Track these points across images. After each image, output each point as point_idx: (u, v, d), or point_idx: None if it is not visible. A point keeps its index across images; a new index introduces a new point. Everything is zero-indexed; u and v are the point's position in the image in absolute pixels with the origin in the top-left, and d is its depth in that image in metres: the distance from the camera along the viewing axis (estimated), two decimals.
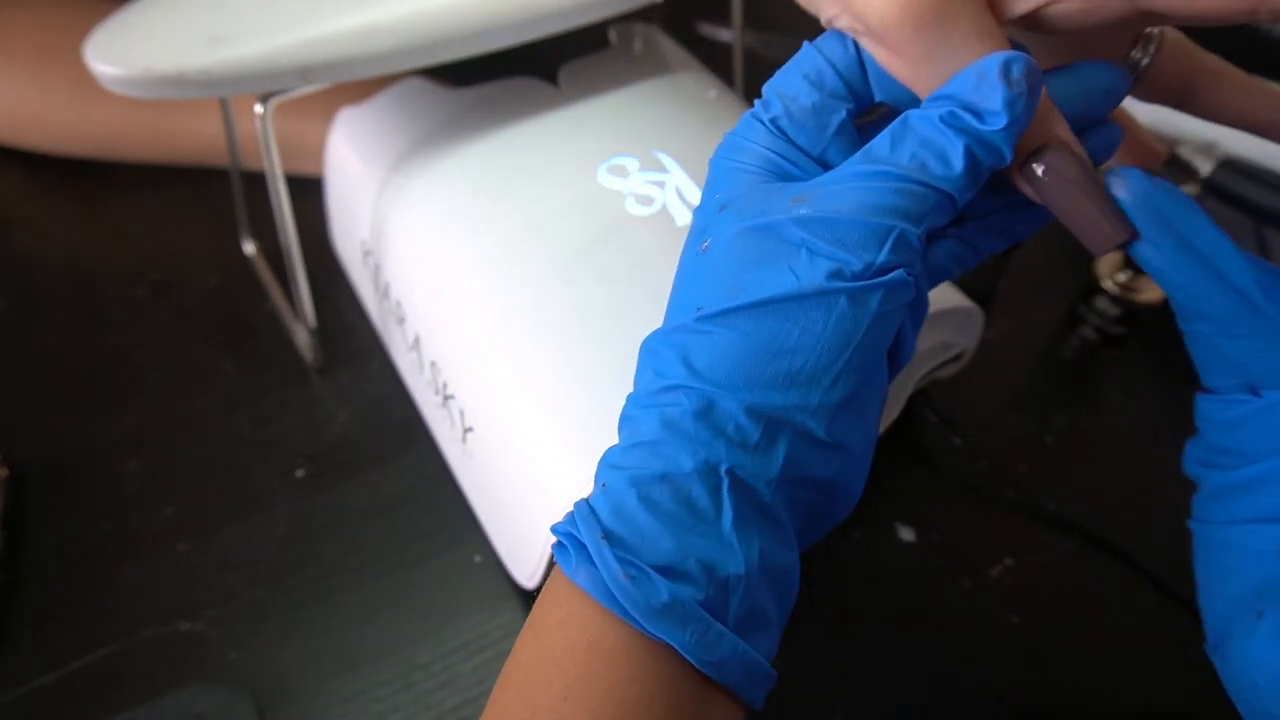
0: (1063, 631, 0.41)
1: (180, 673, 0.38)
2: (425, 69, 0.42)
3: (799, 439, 0.26)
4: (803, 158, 0.28)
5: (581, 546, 0.24)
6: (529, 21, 0.41)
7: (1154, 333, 0.52)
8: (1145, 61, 0.29)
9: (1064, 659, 0.40)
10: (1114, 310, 0.51)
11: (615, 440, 0.34)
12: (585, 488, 0.33)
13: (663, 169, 0.41)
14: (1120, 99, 0.29)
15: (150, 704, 0.37)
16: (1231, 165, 0.52)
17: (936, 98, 0.25)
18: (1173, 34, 0.29)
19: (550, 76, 0.47)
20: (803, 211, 0.25)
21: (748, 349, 0.25)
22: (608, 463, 0.26)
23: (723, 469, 0.25)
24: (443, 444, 0.43)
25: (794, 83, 0.28)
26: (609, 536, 0.24)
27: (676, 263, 0.29)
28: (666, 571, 0.24)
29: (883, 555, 0.43)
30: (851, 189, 0.25)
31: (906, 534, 0.43)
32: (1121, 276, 0.51)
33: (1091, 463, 0.47)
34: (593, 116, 0.44)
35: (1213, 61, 0.29)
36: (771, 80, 0.28)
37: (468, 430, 0.39)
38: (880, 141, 0.26)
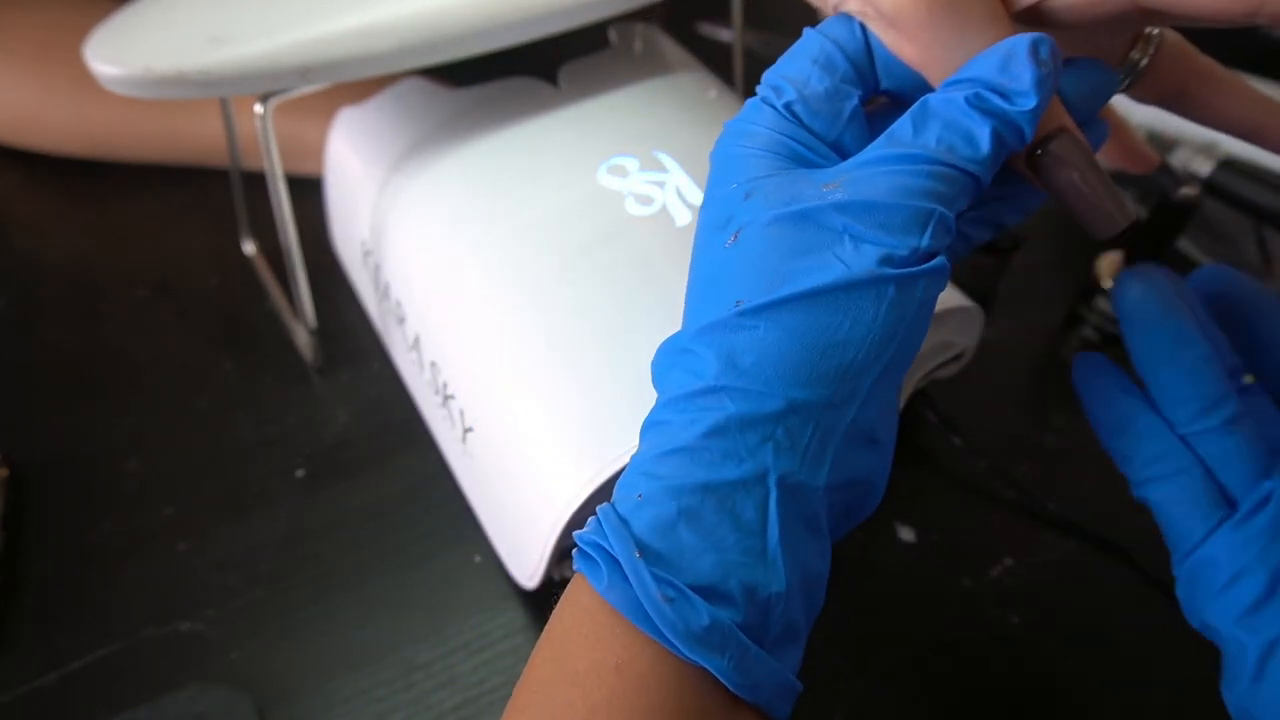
0: (1063, 631, 0.41)
1: (180, 673, 0.38)
2: (425, 69, 0.42)
3: (847, 438, 0.25)
4: (818, 143, 0.27)
5: (613, 561, 0.23)
6: (529, 21, 0.41)
7: None
8: (1144, 62, 0.29)
9: (1064, 659, 0.40)
10: (1114, 311, 0.51)
11: (614, 439, 0.34)
12: (585, 488, 0.33)
13: (663, 169, 0.41)
14: (1109, 97, 0.29)
15: (150, 704, 0.37)
16: (1231, 165, 0.52)
17: (956, 81, 0.25)
18: (1171, 36, 0.29)
19: (550, 76, 0.47)
20: (839, 196, 0.24)
21: (796, 344, 0.24)
22: (640, 470, 0.24)
23: (771, 478, 0.23)
24: (443, 444, 0.43)
25: (804, 68, 0.27)
26: (644, 552, 0.23)
27: (677, 262, 0.28)
28: (706, 592, 0.23)
29: (883, 555, 0.43)
30: (884, 173, 0.24)
31: (906, 534, 0.43)
32: None
33: (1092, 462, 0.47)
34: (593, 116, 0.44)
35: (1209, 65, 0.29)
36: (776, 66, 0.28)
37: (468, 430, 0.39)
38: (902, 126, 0.25)
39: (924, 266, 0.24)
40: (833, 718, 0.38)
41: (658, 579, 0.22)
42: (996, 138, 0.25)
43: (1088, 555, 0.43)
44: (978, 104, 0.24)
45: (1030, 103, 0.24)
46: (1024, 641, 0.40)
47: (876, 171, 0.25)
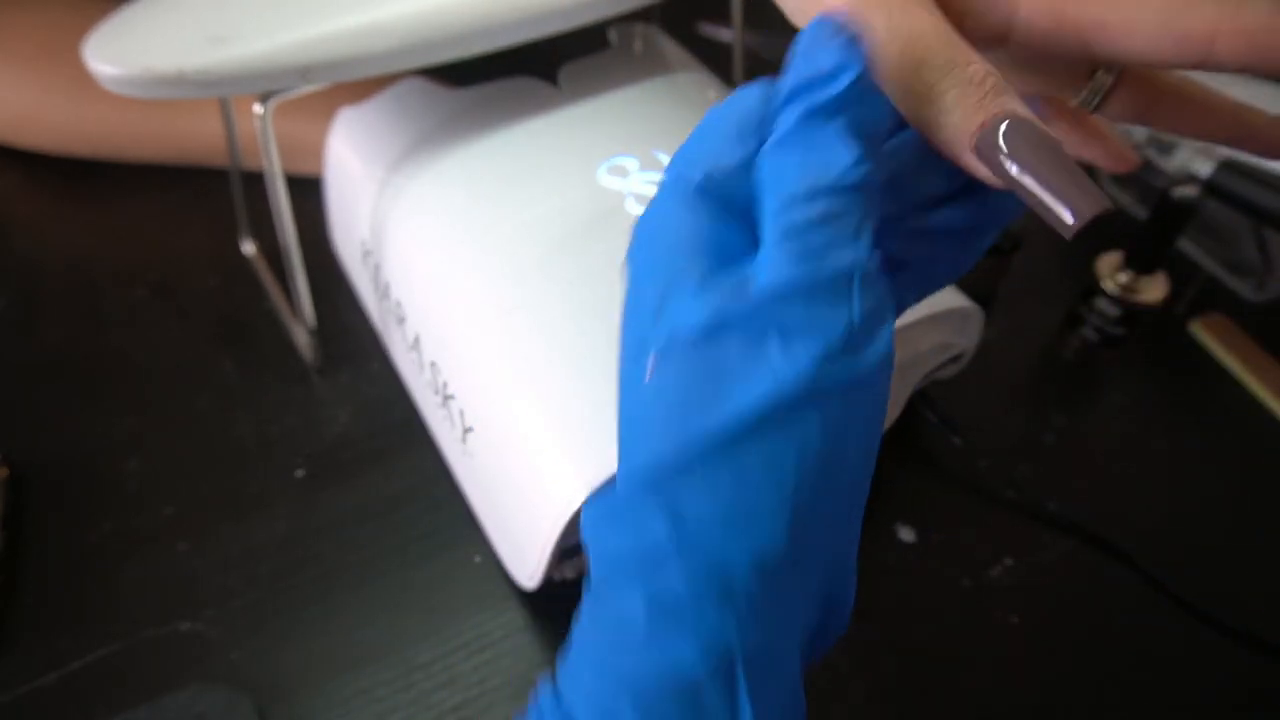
0: (1063, 631, 0.41)
1: (180, 673, 0.38)
2: (425, 69, 0.42)
3: (824, 577, 0.21)
4: (736, 225, 0.22)
5: None
6: (529, 21, 0.41)
7: (1154, 333, 0.52)
8: (1109, 82, 0.29)
9: (1064, 659, 0.40)
10: (1114, 311, 0.51)
11: (613, 440, 0.34)
12: (585, 488, 0.33)
13: (662, 169, 0.41)
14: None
15: (150, 704, 0.37)
16: (1231, 165, 0.52)
17: (786, 99, 0.22)
18: None
19: (550, 76, 0.47)
20: (750, 288, 0.20)
21: (742, 484, 0.19)
22: (589, 661, 0.21)
23: (736, 654, 0.20)
24: (443, 444, 0.44)
25: (714, 144, 0.23)
26: None
27: None
28: None
29: (883, 555, 0.43)
30: (778, 236, 0.20)
31: (906, 534, 0.43)
32: (1122, 277, 0.51)
33: (1092, 462, 0.47)
34: (593, 116, 0.44)
35: (1179, 81, 0.29)
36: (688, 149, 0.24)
37: (468, 430, 0.39)
38: (773, 171, 0.22)
39: (868, 352, 0.20)
40: (832, 718, 0.38)
41: None
42: (852, 135, 0.21)
43: (1088, 555, 0.43)
44: (814, 112, 0.21)
45: (849, 76, 0.20)
46: (1024, 641, 0.40)
47: (771, 238, 0.20)
